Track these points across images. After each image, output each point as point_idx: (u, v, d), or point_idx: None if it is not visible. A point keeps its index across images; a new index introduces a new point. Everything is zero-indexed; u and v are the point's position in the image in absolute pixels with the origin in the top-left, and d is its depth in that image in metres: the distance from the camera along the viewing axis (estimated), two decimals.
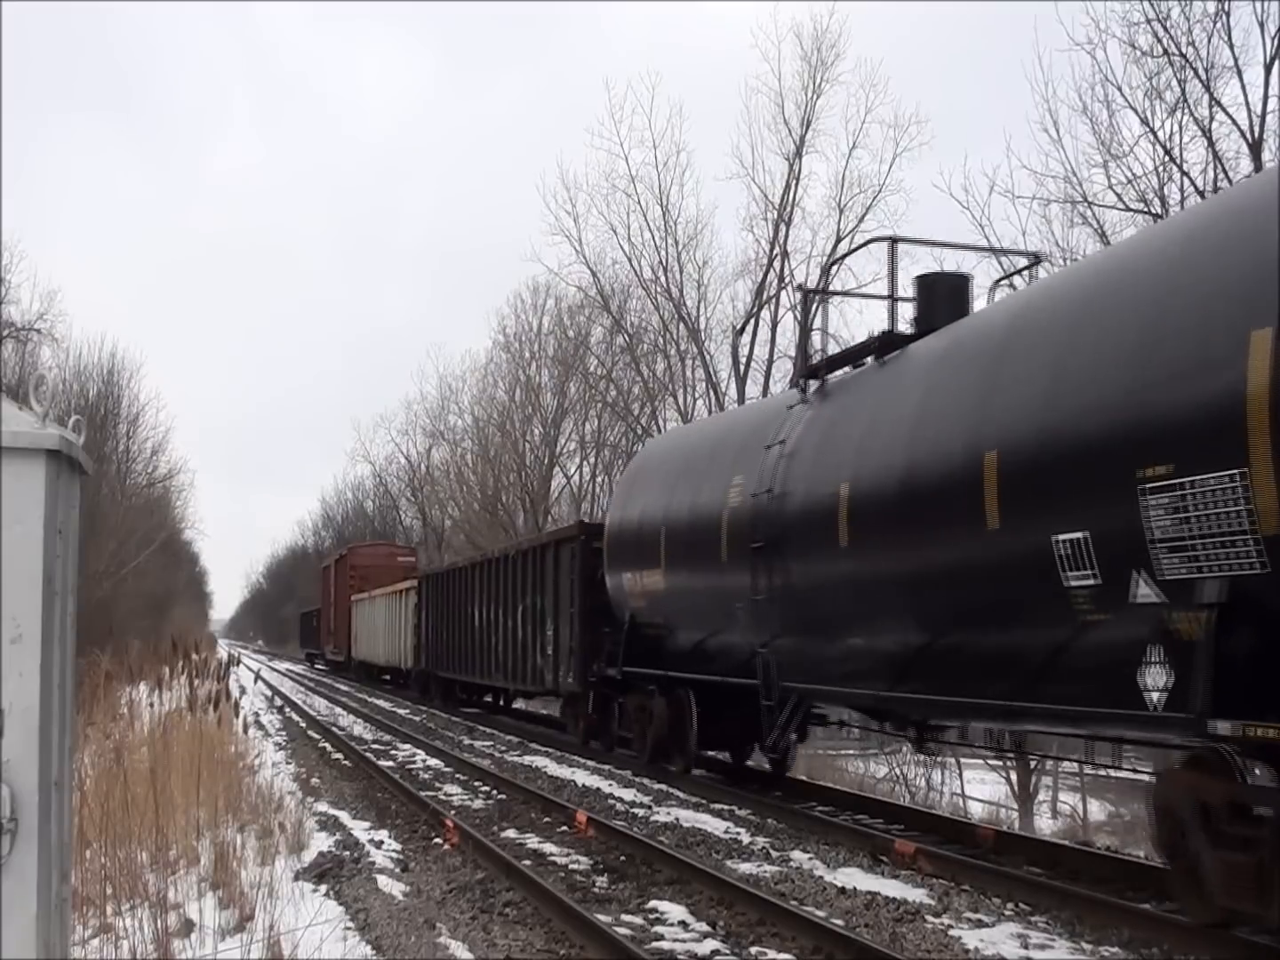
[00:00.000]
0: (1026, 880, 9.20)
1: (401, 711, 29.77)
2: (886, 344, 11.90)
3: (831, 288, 34.65)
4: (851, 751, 31.60)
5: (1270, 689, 6.76)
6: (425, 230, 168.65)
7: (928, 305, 11.88)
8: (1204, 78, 20.17)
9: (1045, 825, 24.74)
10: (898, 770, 28.51)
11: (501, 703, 29.62)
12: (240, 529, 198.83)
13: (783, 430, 12.81)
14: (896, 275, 12.41)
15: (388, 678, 41.43)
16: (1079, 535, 7.88)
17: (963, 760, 27.83)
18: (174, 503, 56.89)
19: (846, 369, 12.93)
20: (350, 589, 46.82)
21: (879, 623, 10.72)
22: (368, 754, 18.62)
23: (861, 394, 11.81)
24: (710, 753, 16.68)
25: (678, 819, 12.49)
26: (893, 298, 12.39)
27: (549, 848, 10.98)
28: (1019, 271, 16.06)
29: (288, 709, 29.98)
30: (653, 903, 8.77)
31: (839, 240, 33.99)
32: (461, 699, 30.42)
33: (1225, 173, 20.16)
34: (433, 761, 18.32)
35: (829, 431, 11.85)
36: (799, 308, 13.94)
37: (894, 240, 12.50)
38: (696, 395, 38.65)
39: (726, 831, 11.83)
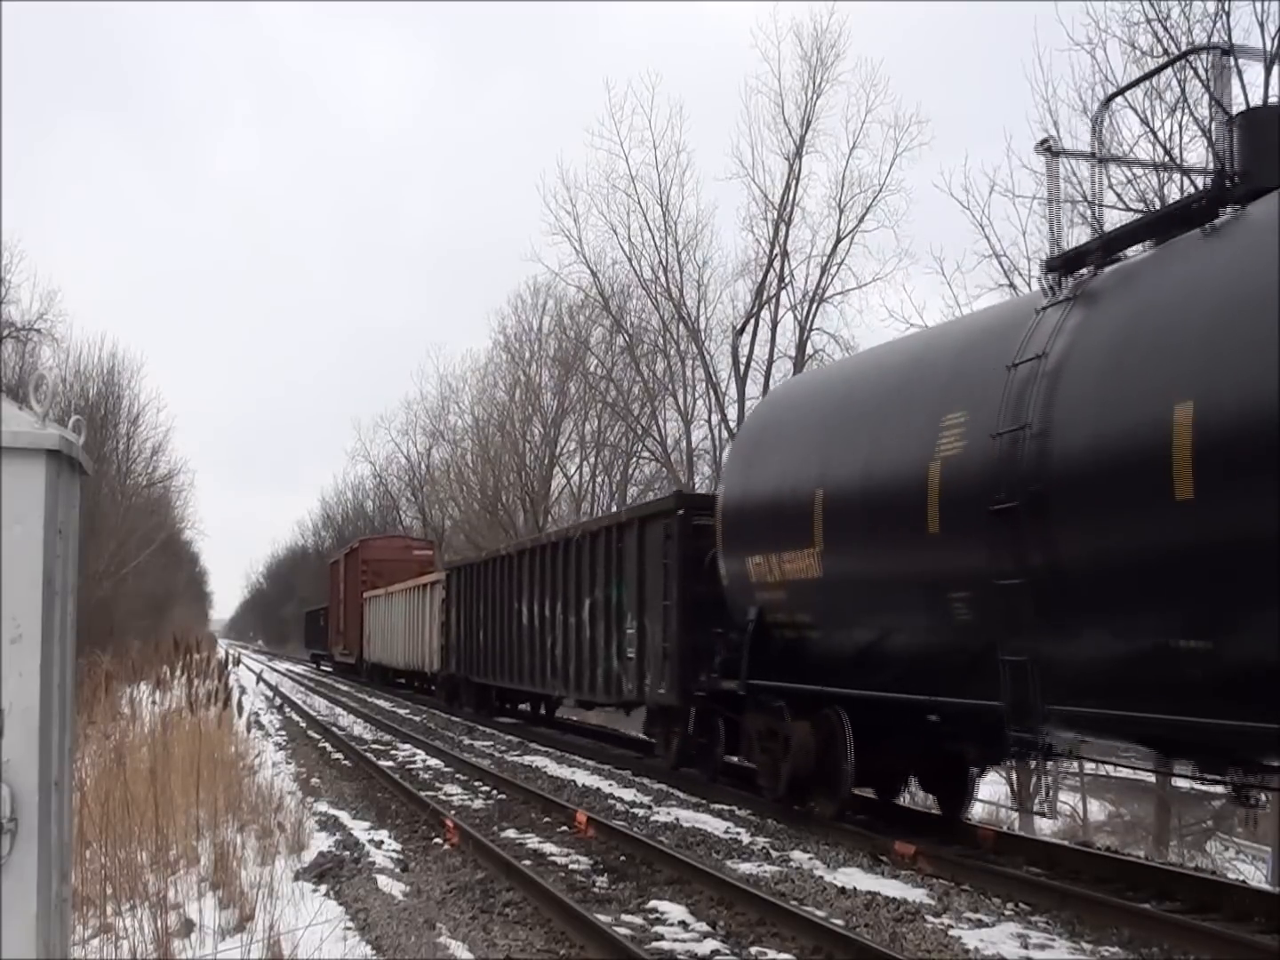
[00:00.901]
0: (1026, 880, 9.20)
1: (401, 711, 29.76)
2: (1213, 202, 8.40)
3: (832, 287, 34.71)
4: None
5: None
6: (425, 230, 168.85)
7: (1253, 152, 8.39)
8: (1204, 78, 20.16)
9: (1045, 825, 24.73)
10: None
11: (543, 711, 26.36)
12: (240, 529, 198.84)
13: (1034, 340, 9.11)
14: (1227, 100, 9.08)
15: (403, 681, 38.57)
16: None
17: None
18: (174, 503, 56.96)
19: (1137, 250, 9.27)
20: (362, 585, 43.54)
21: (1250, 617, 7.29)
22: (368, 754, 18.62)
23: (1188, 273, 8.26)
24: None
25: (678, 819, 12.49)
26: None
27: (549, 848, 10.98)
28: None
29: (288, 709, 29.97)
30: (653, 903, 8.77)
31: (839, 240, 34.07)
32: (497, 707, 26.87)
33: None
34: (433, 761, 18.32)
35: (1130, 334, 8.33)
36: (1046, 170, 9.82)
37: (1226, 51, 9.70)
38: (696, 395, 38.72)
39: (726, 831, 11.83)
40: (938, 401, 10.03)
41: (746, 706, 13.22)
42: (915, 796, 14.44)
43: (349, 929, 7.68)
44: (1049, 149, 9.97)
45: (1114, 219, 21.36)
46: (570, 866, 10.15)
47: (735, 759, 14.57)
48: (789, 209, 34.68)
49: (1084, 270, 9.27)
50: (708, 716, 14.71)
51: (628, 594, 16.76)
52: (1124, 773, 17.41)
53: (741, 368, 35.71)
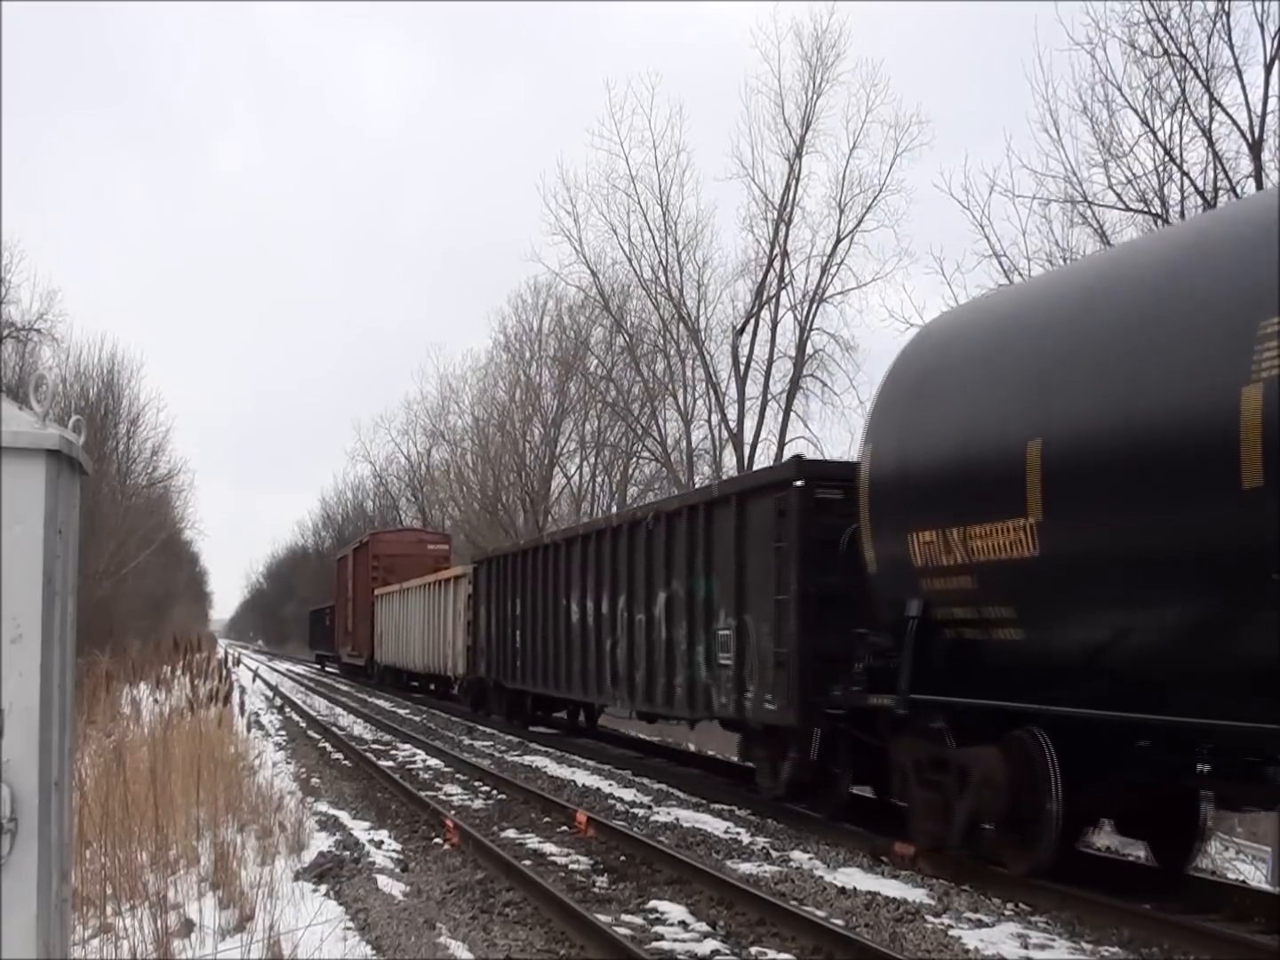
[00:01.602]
0: (1026, 880, 9.19)
1: (401, 712, 29.76)
2: None
3: (832, 287, 34.65)
4: None
5: None
6: (425, 230, 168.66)
7: None
8: (1204, 78, 20.15)
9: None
10: None
11: (582, 719, 22.86)
12: (240, 529, 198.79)
13: None
14: None
15: (417, 684, 35.91)
16: None
17: None
18: (174, 503, 56.87)
19: None
20: (373, 582, 41.10)
21: None
22: (368, 754, 18.62)
23: None
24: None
25: (678, 819, 12.49)
26: None
27: (549, 848, 10.98)
28: None
29: (288, 709, 29.98)
30: (653, 903, 8.77)
31: (839, 240, 34.07)
32: (533, 715, 23.70)
33: (1225, 173, 20.16)
34: (433, 761, 18.32)
35: None
36: None
37: None
38: (696, 395, 38.72)
39: (726, 831, 11.83)
40: (1250, 301, 7.28)
41: (900, 728, 10.51)
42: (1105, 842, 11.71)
43: (349, 929, 7.68)
44: None
45: (1114, 219, 21.42)
46: (570, 866, 10.16)
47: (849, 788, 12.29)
48: (789, 209, 34.75)
49: None
50: (834, 739, 11.84)
51: (720, 586, 13.85)
52: None
53: (741, 368, 35.76)
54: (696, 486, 34.86)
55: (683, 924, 8.19)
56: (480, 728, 24.36)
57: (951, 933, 7.90)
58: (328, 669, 57.70)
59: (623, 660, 17.00)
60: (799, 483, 12.22)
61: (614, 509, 43.55)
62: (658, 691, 15.72)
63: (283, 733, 23.37)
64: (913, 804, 10.44)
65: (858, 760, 11.72)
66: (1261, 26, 19.50)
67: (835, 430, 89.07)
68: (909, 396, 10.78)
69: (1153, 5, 20.26)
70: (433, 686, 34.24)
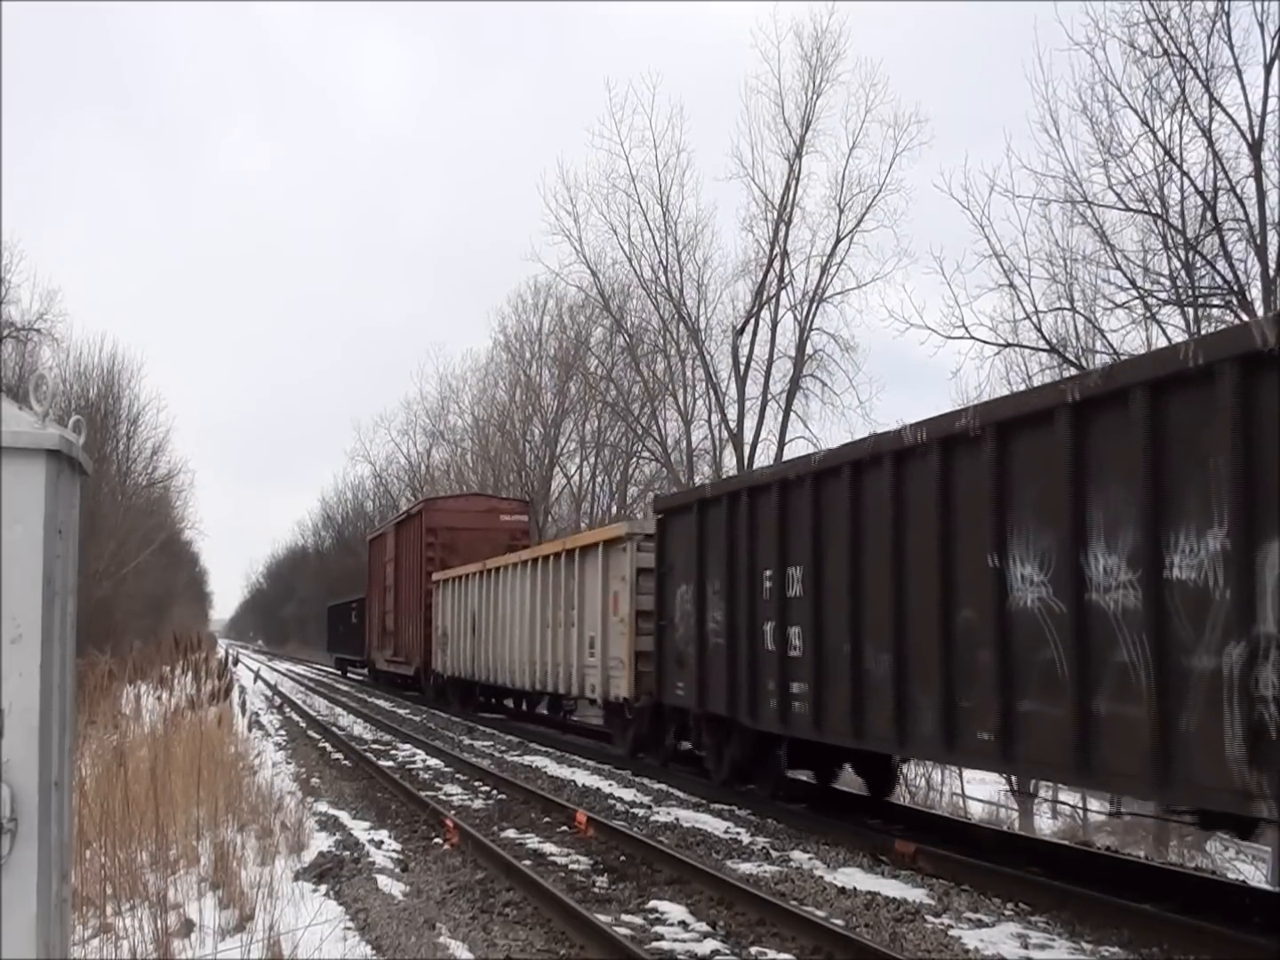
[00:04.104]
0: (1026, 880, 9.19)
1: (401, 712, 29.75)
2: None
3: (832, 287, 34.60)
4: None
5: None
6: (425, 229, 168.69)
7: None
8: (1204, 78, 20.16)
9: (1045, 825, 24.73)
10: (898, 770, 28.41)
11: (870, 788, 13.73)
12: (240, 529, 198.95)
13: None
14: None
15: (509, 704, 28.14)
16: None
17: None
18: (174, 503, 56.93)
19: None
20: (428, 564, 31.63)
21: None
22: (368, 754, 18.61)
23: None
24: None
25: (678, 819, 12.49)
26: None
27: (549, 847, 10.98)
28: None
29: (287, 709, 29.97)
30: (653, 903, 8.77)
31: (839, 240, 34.06)
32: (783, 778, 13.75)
33: (1225, 173, 20.17)
34: (433, 761, 18.31)
35: None
36: None
37: None
38: (696, 395, 38.73)
39: (726, 831, 11.83)
40: None
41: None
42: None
43: (349, 929, 7.68)
44: None
45: (1114, 219, 21.41)
46: (570, 866, 10.16)
47: None
48: (789, 209, 34.74)
49: None
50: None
51: None
52: None
53: (741, 368, 35.74)
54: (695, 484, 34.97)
55: (683, 924, 8.19)
56: (480, 727, 24.28)
57: (951, 932, 7.90)
58: (349, 675, 50.21)
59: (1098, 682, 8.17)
60: None
61: (614, 510, 43.61)
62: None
63: (282, 733, 23.36)
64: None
65: None
66: (1261, 26, 19.53)
67: (835, 430, 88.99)
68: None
69: (1152, 5, 20.28)
70: (543, 711, 25.92)
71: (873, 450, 10.89)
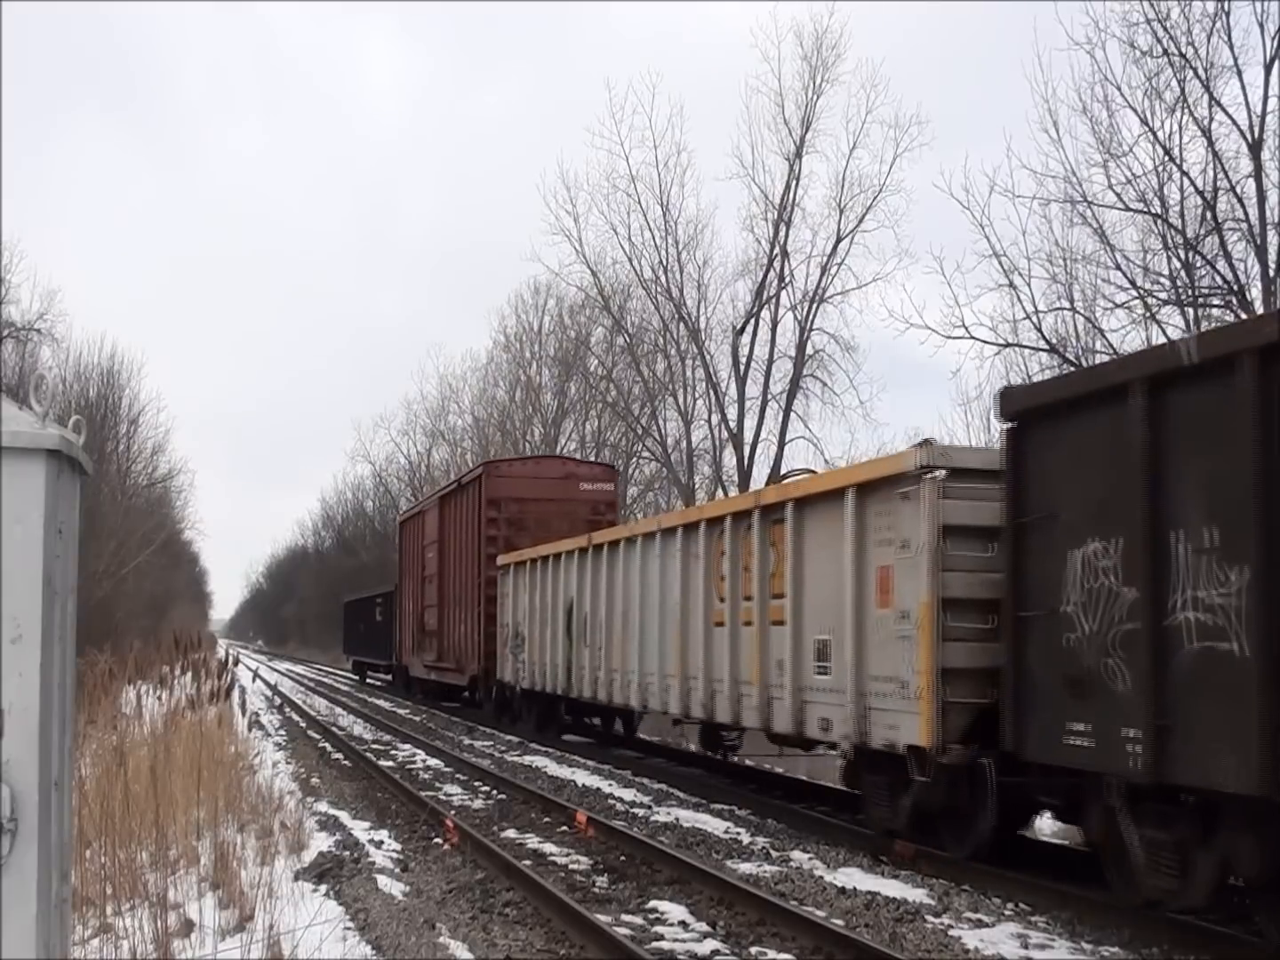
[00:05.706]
0: (1026, 880, 9.19)
1: (401, 712, 29.74)
2: None
3: (832, 287, 34.58)
4: None
5: None
6: (426, 229, 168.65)
7: None
8: (1204, 78, 20.18)
9: (1045, 825, 24.73)
10: None
11: None
12: (240, 529, 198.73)
13: None
14: None
15: (594, 722, 22.11)
16: None
17: None
18: (174, 503, 56.89)
19: None
20: (488, 544, 24.98)
21: None
22: (368, 754, 18.61)
23: None
24: None
25: (678, 819, 12.49)
26: None
27: (549, 847, 10.98)
28: None
29: (287, 708, 29.97)
30: (653, 903, 8.77)
31: (839, 240, 34.06)
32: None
33: (1225, 172, 20.18)
34: (433, 761, 18.31)
35: None
36: None
37: None
38: (696, 395, 38.72)
39: (726, 831, 11.82)
40: None
41: None
42: None
43: (349, 929, 7.68)
44: None
45: (1114, 219, 21.42)
46: (570, 866, 10.15)
47: None
48: (789, 209, 34.77)
49: None
50: None
51: None
52: None
53: (741, 368, 35.77)
54: (694, 488, 34.70)
55: (683, 924, 8.19)
56: (481, 727, 24.20)
57: (951, 933, 7.90)
58: (368, 680, 44.17)
59: None
60: None
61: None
62: None
63: (282, 732, 23.36)
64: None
65: None
66: (1261, 26, 19.55)
67: (835, 430, 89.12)
68: None
69: (1152, 5, 20.30)
70: (691, 746, 19.34)
71: None
